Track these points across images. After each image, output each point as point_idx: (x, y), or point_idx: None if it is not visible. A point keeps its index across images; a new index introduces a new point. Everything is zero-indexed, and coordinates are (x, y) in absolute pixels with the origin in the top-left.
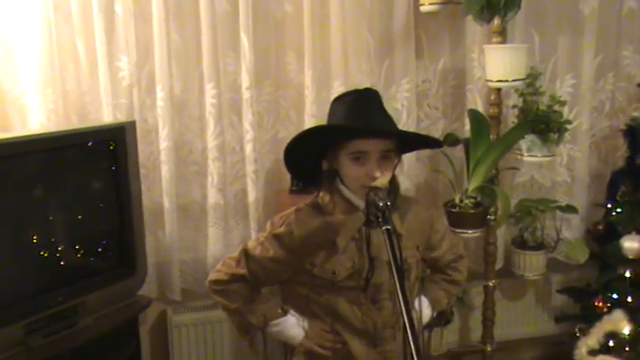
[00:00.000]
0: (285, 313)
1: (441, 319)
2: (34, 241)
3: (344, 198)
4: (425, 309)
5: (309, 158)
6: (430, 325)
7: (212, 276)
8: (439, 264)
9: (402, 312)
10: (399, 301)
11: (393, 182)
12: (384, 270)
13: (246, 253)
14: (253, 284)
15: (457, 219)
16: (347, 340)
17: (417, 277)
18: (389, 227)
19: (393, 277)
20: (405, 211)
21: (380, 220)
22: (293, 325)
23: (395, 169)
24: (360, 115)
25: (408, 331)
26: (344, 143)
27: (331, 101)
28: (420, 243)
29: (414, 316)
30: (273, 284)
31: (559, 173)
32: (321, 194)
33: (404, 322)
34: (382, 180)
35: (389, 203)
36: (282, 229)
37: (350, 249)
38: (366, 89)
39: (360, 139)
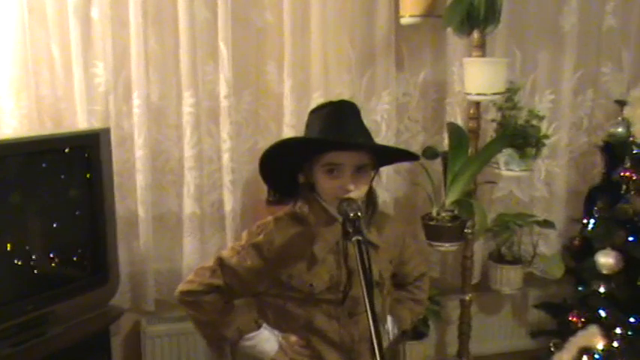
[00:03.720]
0: (259, 326)
1: (403, 337)
2: (8, 248)
3: (323, 209)
4: (390, 327)
5: (284, 172)
6: (393, 343)
7: (183, 287)
8: (406, 280)
9: (368, 322)
10: (367, 311)
11: (371, 196)
12: None
13: (221, 263)
14: (228, 296)
15: (434, 232)
16: (323, 355)
17: (389, 292)
18: (359, 238)
19: (362, 287)
20: (382, 225)
21: (351, 230)
22: (267, 340)
23: (371, 182)
24: (335, 128)
25: (374, 341)
26: (318, 156)
27: (308, 113)
28: (393, 257)
29: (384, 332)
30: (247, 296)
31: (537, 188)
32: (299, 204)
33: (370, 333)
34: (357, 193)
35: (359, 214)
36: (261, 238)
37: (328, 261)
38: (342, 101)
39: (334, 151)
